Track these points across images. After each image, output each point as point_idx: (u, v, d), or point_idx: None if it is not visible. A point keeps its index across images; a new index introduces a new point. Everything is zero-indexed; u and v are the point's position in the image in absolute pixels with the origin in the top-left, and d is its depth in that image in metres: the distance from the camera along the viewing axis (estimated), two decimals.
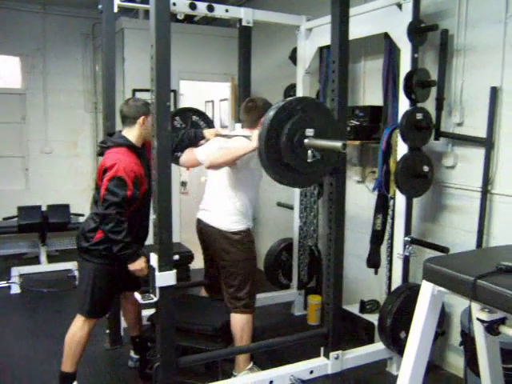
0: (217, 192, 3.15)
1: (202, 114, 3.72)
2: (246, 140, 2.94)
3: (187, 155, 3.27)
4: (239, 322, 3.06)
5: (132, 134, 2.94)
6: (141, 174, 2.86)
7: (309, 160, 2.45)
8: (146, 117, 2.92)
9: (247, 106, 3.17)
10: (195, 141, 3.28)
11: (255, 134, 2.64)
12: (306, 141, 2.42)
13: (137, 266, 2.82)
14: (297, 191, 4.30)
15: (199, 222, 3.22)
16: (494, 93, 2.94)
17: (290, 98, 2.46)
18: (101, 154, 2.97)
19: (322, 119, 2.50)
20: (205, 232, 3.18)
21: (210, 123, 3.71)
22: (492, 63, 2.98)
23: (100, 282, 2.89)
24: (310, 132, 2.43)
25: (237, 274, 3.07)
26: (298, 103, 2.43)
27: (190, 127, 3.55)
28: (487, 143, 2.99)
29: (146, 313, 3.32)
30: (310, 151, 2.44)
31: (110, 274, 2.90)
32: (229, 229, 3.06)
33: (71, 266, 5.36)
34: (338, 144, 2.33)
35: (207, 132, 3.31)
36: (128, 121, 2.96)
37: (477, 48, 3.07)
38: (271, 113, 2.38)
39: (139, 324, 3.38)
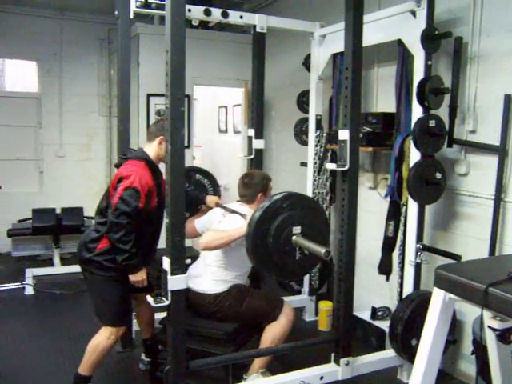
0: (209, 262, 3.13)
1: (205, 173, 3.81)
2: (241, 220, 2.98)
3: (188, 225, 3.27)
4: (271, 333, 3.03)
5: (151, 150, 3.01)
6: (153, 188, 2.89)
7: (297, 257, 2.50)
8: (164, 139, 2.93)
9: (244, 182, 3.22)
10: (196, 202, 3.40)
11: (250, 215, 2.67)
12: (293, 238, 2.46)
13: (138, 277, 2.86)
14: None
15: (188, 291, 3.05)
16: (508, 100, 2.93)
17: (275, 197, 2.47)
18: (119, 165, 3.01)
19: (309, 214, 2.53)
20: (193, 301, 3.06)
21: (214, 182, 3.80)
22: (506, 71, 2.97)
23: (114, 291, 2.92)
24: (297, 229, 2.46)
25: (245, 319, 3.07)
26: (283, 201, 2.46)
27: (193, 185, 3.65)
28: (500, 151, 2.98)
29: (159, 316, 3.34)
30: (297, 248, 2.49)
31: (119, 282, 2.92)
32: (215, 291, 3.04)
33: None
34: (321, 250, 2.37)
35: (209, 199, 3.42)
36: (149, 136, 3.05)
37: (491, 55, 3.06)
38: (257, 214, 2.42)
39: (151, 327, 3.41)
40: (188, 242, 3.50)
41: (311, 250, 2.43)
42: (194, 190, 3.56)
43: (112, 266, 2.86)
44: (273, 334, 3.02)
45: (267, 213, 2.41)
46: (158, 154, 3.00)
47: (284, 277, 2.65)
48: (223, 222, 3.15)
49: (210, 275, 3.09)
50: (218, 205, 3.36)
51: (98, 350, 2.91)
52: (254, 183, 3.17)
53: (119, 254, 2.77)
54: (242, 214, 3.06)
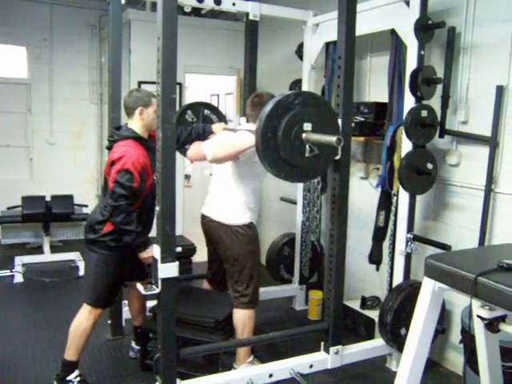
0: (221, 186, 3.17)
1: (213, 108, 3.74)
2: (250, 134, 2.94)
3: (194, 148, 3.26)
4: (241, 317, 3.08)
5: (135, 125, 2.97)
6: (147, 165, 2.88)
7: (307, 155, 2.44)
8: (144, 108, 2.94)
9: (253, 101, 3.17)
10: (204, 135, 3.29)
11: None
12: (303, 135, 2.41)
13: (149, 253, 2.85)
14: (300, 186, 4.31)
15: (203, 217, 3.24)
16: (500, 91, 2.94)
17: (288, 93, 2.43)
18: (109, 147, 2.99)
19: (320, 113, 2.48)
20: (209, 227, 3.20)
21: (221, 117, 3.73)
22: (499, 62, 2.97)
23: (106, 271, 2.93)
24: (307, 126, 2.41)
25: (242, 268, 3.07)
26: (295, 97, 2.41)
27: (201, 121, 3.58)
28: (492, 142, 2.99)
29: (151, 304, 3.35)
30: (307, 146, 2.43)
31: (116, 264, 2.94)
32: (231, 223, 3.07)
33: (74, 256, 5.40)
34: (332, 139, 2.31)
35: (215, 127, 3.33)
36: (128, 111, 3.01)
37: (484, 46, 3.06)
38: (268, 107, 2.37)
39: (143, 314, 3.42)
40: (178, 231, 3.48)
41: (322, 140, 2.38)
42: (199, 124, 3.47)
43: (117, 246, 2.89)
44: (243, 316, 3.08)
45: (278, 107, 2.36)
46: (144, 126, 2.98)
47: (293, 177, 2.56)
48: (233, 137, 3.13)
49: (222, 201, 3.13)
50: (225, 129, 3.31)
51: (80, 332, 2.92)
52: (263, 102, 3.01)
53: (126, 235, 2.81)
54: (250, 130, 2.97)
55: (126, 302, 3.59)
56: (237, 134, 3.10)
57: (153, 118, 2.90)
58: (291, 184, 4.13)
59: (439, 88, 3.18)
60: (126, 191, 2.76)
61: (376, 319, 3.35)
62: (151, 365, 2.77)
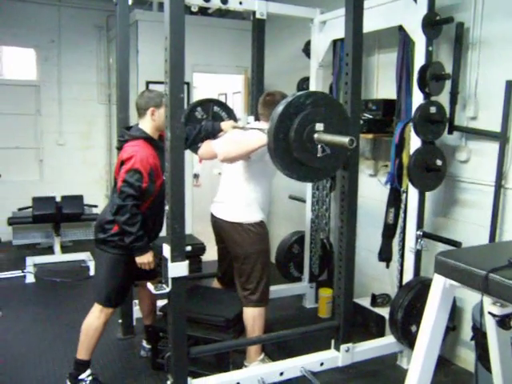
0: (231, 184, 3.17)
1: (223, 105, 3.75)
2: (261, 133, 2.94)
3: (205, 147, 3.28)
4: (251, 315, 3.08)
5: (146, 125, 2.99)
6: (157, 166, 2.89)
7: (319, 155, 2.44)
8: (156, 108, 2.96)
9: (265, 100, 3.16)
10: (213, 133, 3.30)
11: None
12: (315, 136, 2.40)
13: (144, 259, 2.88)
14: (309, 184, 4.30)
15: (213, 215, 3.24)
16: (509, 87, 2.91)
17: (299, 93, 2.43)
18: (120, 147, 3.01)
19: (332, 114, 2.47)
20: (218, 225, 3.20)
21: (231, 114, 3.73)
22: (508, 57, 2.95)
23: (116, 271, 2.94)
24: (319, 127, 2.40)
25: (252, 266, 3.08)
26: (307, 98, 2.41)
27: (211, 118, 3.58)
28: (501, 137, 2.97)
29: (162, 303, 3.36)
30: (319, 146, 2.42)
31: (126, 264, 2.95)
32: (242, 221, 3.08)
33: (84, 256, 5.43)
34: (345, 140, 2.30)
35: (224, 125, 3.33)
36: (140, 112, 3.03)
37: (492, 41, 3.04)
38: (280, 108, 2.37)
39: (154, 313, 3.43)
40: (188, 230, 3.49)
41: (334, 141, 2.36)
42: (209, 121, 3.46)
43: (125, 245, 2.89)
44: (253, 314, 3.09)
45: (290, 107, 2.36)
46: (155, 126, 3.00)
47: (306, 177, 2.54)
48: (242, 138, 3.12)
49: (232, 200, 3.14)
50: (235, 127, 3.29)
51: (91, 331, 2.93)
52: (275, 101, 3.00)
53: (126, 236, 2.82)
54: (260, 129, 2.98)
55: (136, 301, 3.60)
56: (248, 133, 3.10)
57: (164, 119, 2.91)
58: (300, 182, 4.13)
59: (448, 84, 3.16)
60: (134, 191, 2.77)
61: (386, 316, 3.34)
62: (162, 363, 2.79)
